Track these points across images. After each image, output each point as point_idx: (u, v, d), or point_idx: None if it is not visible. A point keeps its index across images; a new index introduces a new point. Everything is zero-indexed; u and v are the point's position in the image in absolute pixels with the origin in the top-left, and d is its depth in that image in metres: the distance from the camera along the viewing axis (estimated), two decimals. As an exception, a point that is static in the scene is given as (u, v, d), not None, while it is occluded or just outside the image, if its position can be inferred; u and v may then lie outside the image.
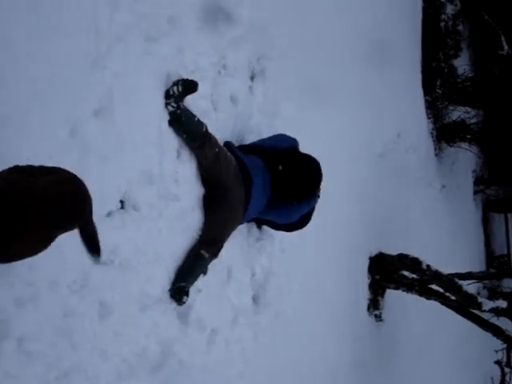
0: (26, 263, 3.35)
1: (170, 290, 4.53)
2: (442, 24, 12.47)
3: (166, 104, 4.48)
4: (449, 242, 11.83)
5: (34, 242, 2.53)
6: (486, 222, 16.46)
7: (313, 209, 5.42)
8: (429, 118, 12.02)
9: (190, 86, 4.56)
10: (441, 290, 8.11)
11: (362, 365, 7.75)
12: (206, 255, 4.72)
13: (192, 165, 4.74)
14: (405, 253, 8.14)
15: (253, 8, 5.53)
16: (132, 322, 4.20)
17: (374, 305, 8.61)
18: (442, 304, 8.31)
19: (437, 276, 7.93)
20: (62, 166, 3.45)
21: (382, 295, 8.71)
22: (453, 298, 8.05)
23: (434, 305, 8.39)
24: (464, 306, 8.11)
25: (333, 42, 7.28)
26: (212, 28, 5.04)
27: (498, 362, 9.12)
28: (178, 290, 4.54)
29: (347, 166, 7.50)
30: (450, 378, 10.92)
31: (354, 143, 7.77)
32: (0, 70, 3.29)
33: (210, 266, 4.83)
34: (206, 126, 4.64)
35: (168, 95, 4.47)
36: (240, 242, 5.32)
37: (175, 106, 4.47)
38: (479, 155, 14.72)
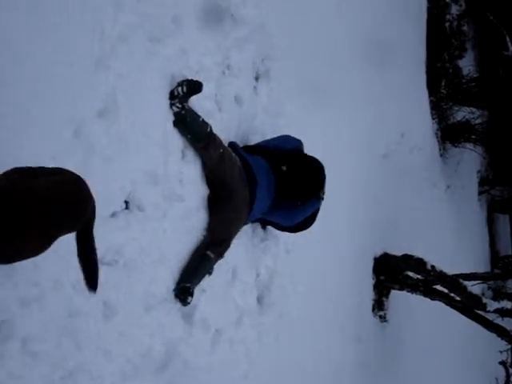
0: (31, 263, 3.36)
1: (174, 290, 4.53)
2: (447, 24, 12.46)
3: (171, 104, 4.48)
4: (453, 242, 11.81)
5: (34, 242, 2.53)
6: (490, 223, 16.43)
7: (317, 210, 5.41)
8: (433, 119, 12.00)
9: (194, 87, 4.56)
10: (445, 291, 8.11)
11: (366, 365, 7.74)
12: (212, 255, 4.73)
13: (197, 165, 4.75)
14: (409, 253, 8.14)
15: (257, 8, 5.54)
16: (136, 323, 4.20)
17: (379, 305, 8.61)
18: (447, 305, 8.30)
19: (441, 277, 7.93)
20: (65, 167, 3.46)
21: (387, 296, 8.71)
22: (457, 298, 8.05)
23: (438, 305, 8.39)
24: (469, 306, 8.10)
25: (335, 42, 7.28)
26: (216, 28, 5.04)
27: (502, 363, 9.12)
28: (183, 291, 4.54)
29: (351, 166, 7.49)
30: (455, 379, 10.90)
31: (357, 143, 7.77)
32: (3, 70, 3.29)
33: (215, 267, 4.83)
34: (211, 127, 4.65)
35: (173, 96, 4.48)
36: (245, 243, 5.32)
37: (180, 106, 4.48)
38: (484, 156, 14.70)
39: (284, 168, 5.11)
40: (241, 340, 5.24)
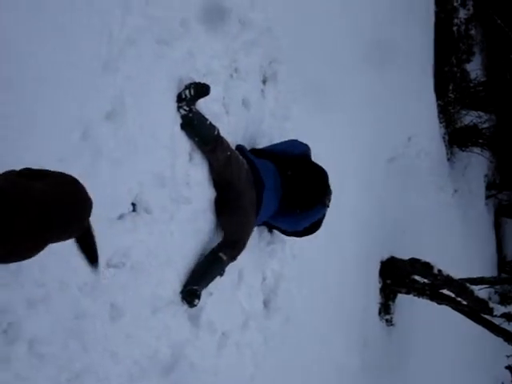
0: (37, 265, 3.37)
1: (181, 292, 4.54)
2: (455, 28, 12.46)
3: (178, 107, 4.49)
4: (460, 246, 11.79)
5: (30, 243, 2.53)
6: (497, 227, 16.38)
7: (323, 217, 5.40)
8: (441, 123, 11.99)
9: (202, 90, 4.56)
10: (452, 295, 8.09)
11: (372, 369, 7.73)
12: (225, 258, 4.75)
13: (204, 168, 4.75)
14: (416, 257, 8.12)
15: (264, 12, 5.54)
16: (143, 325, 4.21)
17: (385, 309, 8.60)
18: (454, 309, 8.29)
19: (448, 281, 7.91)
20: (73, 169, 3.46)
21: (393, 300, 8.70)
22: (464, 302, 8.03)
23: (445, 310, 8.37)
24: (475, 311, 8.08)
25: (341, 44, 7.27)
26: (224, 31, 5.05)
27: (509, 367, 9.10)
28: (190, 293, 4.54)
29: (358, 169, 7.49)
30: (461, 383, 10.88)
31: (364, 147, 7.76)
32: (11, 72, 3.30)
33: (226, 269, 4.84)
34: (218, 130, 4.65)
35: (180, 98, 4.48)
36: (251, 246, 5.31)
37: (187, 109, 4.48)
38: (491, 160, 14.66)
39: (289, 173, 5.11)
40: (247, 343, 5.24)
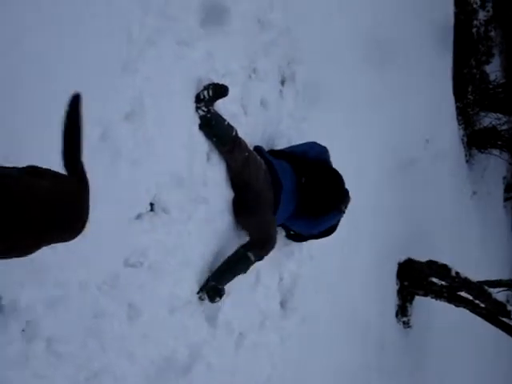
0: (56, 263, 3.39)
1: (204, 288, 4.56)
2: (474, 30, 12.41)
3: (197, 108, 4.49)
4: (478, 248, 11.75)
5: (30, 240, 2.53)
6: (516, 230, 16.33)
7: (337, 222, 5.39)
8: (460, 125, 11.96)
9: (220, 91, 4.57)
10: (470, 298, 8.06)
11: (389, 371, 7.71)
12: (253, 258, 4.76)
13: (221, 168, 4.76)
14: (434, 259, 8.10)
15: (283, 12, 5.54)
16: (161, 324, 4.22)
17: (403, 311, 8.57)
18: (471, 311, 8.25)
19: (466, 283, 7.88)
20: (92, 169, 3.47)
21: (411, 302, 8.67)
22: (482, 305, 8.00)
23: (462, 312, 8.34)
24: (493, 313, 8.05)
25: (359, 45, 7.25)
26: (243, 32, 5.05)
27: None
28: (215, 290, 4.58)
29: (376, 170, 7.47)
30: (479, 386, 10.86)
31: (382, 148, 7.75)
32: (30, 72, 3.31)
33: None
34: (236, 130, 4.65)
35: (198, 99, 4.49)
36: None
37: (205, 110, 4.49)
38: (510, 162, 14.61)
39: (303, 180, 5.09)
40: (264, 344, 5.24)
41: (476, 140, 12.65)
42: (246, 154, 4.74)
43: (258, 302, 5.21)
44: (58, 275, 3.45)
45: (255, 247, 4.80)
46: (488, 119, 12.90)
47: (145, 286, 4.06)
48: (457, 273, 7.85)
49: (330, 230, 5.39)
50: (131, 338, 3.97)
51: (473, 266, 9.27)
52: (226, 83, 4.62)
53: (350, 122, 6.81)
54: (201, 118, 4.51)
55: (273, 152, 5.22)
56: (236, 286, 4.84)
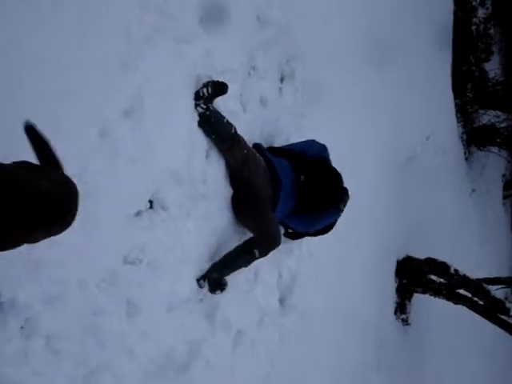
0: (55, 261, 3.39)
1: (205, 276, 4.57)
2: (474, 28, 12.40)
3: (196, 105, 4.49)
4: (477, 246, 11.76)
5: (23, 234, 2.53)
6: (515, 227, 16.34)
7: (335, 221, 5.39)
8: (459, 122, 11.96)
9: (219, 88, 4.56)
10: (468, 295, 8.07)
11: (387, 368, 7.72)
12: (257, 255, 4.74)
13: (220, 165, 4.76)
14: (432, 257, 8.11)
15: (282, 10, 5.54)
16: (159, 322, 4.22)
17: (401, 309, 8.59)
18: (470, 309, 8.26)
19: (465, 281, 7.90)
20: (91, 166, 3.49)
21: (410, 299, 8.68)
22: (481, 302, 8.01)
23: (461, 309, 8.35)
24: (492, 311, 8.06)
25: (358, 42, 7.24)
26: (242, 30, 5.05)
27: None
28: (217, 282, 4.61)
29: (375, 167, 7.48)
30: (478, 382, 10.86)
31: (381, 145, 7.75)
32: (29, 70, 3.32)
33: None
34: (235, 128, 4.65)
35: (198, 96, 4.49)
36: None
37: (205, 107, 4.49)
38: (509, 159, 14.60)
39: (302, 178, 5.09)
40: (262, 341, 5.24)
41: (475, 138, 12.66)
42: (245, 151, 4.74)
43: (256, 300, 5.21)
44: (56, 272, 3.45)
45: (261, 244, 4.79)
46: (487, 117, 12.90)
47: (144, 283, 4.06)
48: (455, 270, 7.86)
49: (326, 229, 5.39)
50: (130, 336, 3.97)
51: (472, 263, 9.28)
52: (225, 81, 4.62)
53: (348, 119, 6.81)
54: (200, 115, 4.50)
55: (272, 149, 5.22)
56: (235, 283, 4.85)
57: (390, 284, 8.25)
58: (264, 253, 4.78)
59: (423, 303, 8.81)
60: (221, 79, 4.61)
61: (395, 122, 8.17)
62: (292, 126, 5.64)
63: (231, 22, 4.89)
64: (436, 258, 8.06)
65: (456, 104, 11.65)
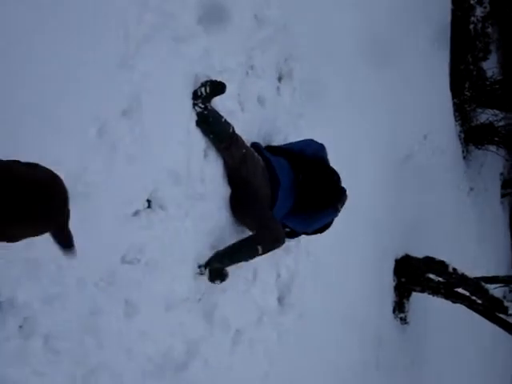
0: (54, 260, 3.39)
1: (207, 265, 4.58)
2: (471, 26, 12.41)
3: (194, 104, 4.49)
4: (475, 245, 11.77)
5: (20, 228, 2.53)
6: (513, 226, 16.37)
7: (332, 220, 5.38)
8: (457, 121, 11.97)
9: (217, 88, 4.56)
10: (467, 294, 8.08)
11: (386, 367, 7.73)
12: (261, 252, 4.72)
13: (219, 165, 4.76)
14: (431, 256, 8.11)
15: (280, 9, 5.54)
16: (158, 321, 4.22)
17: (400, 307, 8.59)
18: (468, 307, 8.27)
19: (463, 279, 7.90)
20: (89, 165, 3.49)
21: (408, 298, 8.69)
22: (479, 301, 8.01)
23: (459, 308, 8.35)
24: (490, 309, 8.06)
25: (356, 42, 7.24)
26: (240, 29, 5.05)
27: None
28: (218, 273, 4.61)
29: (373, 166, 7.48)
30: (476, 382, 10.87)
31: (380, 144, 7.75)
32: (27, 69, 3.31)
33: (235, 267, 4.85)
34: (233, 127, 4.66)
35: (196, 96, 4.49)
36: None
37: (203, 106, 4.49)
38: (507, 158, 14.64)
39: (300, 177, 5.09)
40: (261, 340, 5.24)
41: (473, 136, 12.67)
42: (244, 150, 4.74)
43: (255, 299, 5.21)
44: (55, 272, 3.45)
45: (265, 241, 4.78)
46: (485, 115, 12.92)
47: (142, 282, 4.06)
48: (454, 269, 7.87)
49: (323, 228, 5.39)
50: (128, 335, 3.97)
51: (470, 262, 9.28)
52: (223, 80, 4.62)
53: (346, 118, 6.81)
54: (198, 114, 4.50)
55: (270, 148, 5.21)
56: (233, 282, 4.85)
57: (389, 283, 8.26)
58: (267, 250, 4.77)
59: (422, 302, 8.82)
60: (219, 78, 4.62)
61: (393, 120, 8.17)
62: (290, 126, 5.64)
63: (230, 22, 4.89)
64: (434, 256, 8.06)
65: (454, 103, 11.66)
